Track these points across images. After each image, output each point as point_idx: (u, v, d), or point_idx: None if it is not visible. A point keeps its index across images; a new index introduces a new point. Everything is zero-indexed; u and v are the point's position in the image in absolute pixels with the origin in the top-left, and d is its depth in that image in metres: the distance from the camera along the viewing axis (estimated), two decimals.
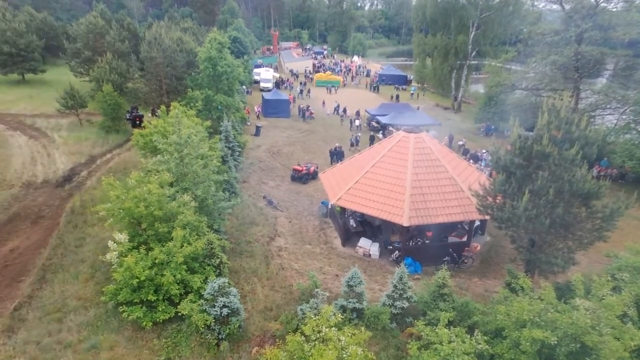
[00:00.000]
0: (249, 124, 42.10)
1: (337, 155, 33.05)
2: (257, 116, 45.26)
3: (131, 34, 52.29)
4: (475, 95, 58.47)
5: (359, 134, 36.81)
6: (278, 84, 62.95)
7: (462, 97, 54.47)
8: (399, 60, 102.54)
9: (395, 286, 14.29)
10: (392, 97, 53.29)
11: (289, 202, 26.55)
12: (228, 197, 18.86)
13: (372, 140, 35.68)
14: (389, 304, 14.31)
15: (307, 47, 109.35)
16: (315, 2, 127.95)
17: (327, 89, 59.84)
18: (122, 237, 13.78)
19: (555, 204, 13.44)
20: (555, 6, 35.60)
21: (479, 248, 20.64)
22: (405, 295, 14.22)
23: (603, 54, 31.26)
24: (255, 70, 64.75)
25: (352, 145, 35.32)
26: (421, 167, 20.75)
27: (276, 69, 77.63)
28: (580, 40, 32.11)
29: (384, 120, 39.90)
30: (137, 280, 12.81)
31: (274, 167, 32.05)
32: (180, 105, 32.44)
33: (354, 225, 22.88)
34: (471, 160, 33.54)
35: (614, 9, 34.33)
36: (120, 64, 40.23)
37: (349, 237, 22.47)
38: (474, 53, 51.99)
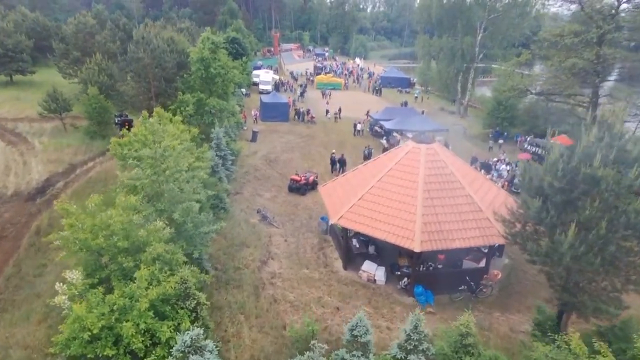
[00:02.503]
0: (245, 128, 39.47)
1: (340, 164, 30.45)
2: (255, 120, 42.58)
3: (127, 34, 49.65)
4: (482, 99, 55.72)
5: (372, 148, 33.36)
6: (278, 86, 60.31)
7: (468, 101, 51.78)
8: (401, 63, 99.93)
9: (408, 335, 11.60)
10: (401, 105, 50.21)
11: (285, 217, 23.90)
12: (213, 218, 16.12)
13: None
14: (402, 357, 11.64)
15: (309, 49, 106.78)
16: (317, 4, 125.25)
17: (322, 92, 56.94)
18: (75, 276, 11.12)
19: (607, 240, 10.76)
20: (573, 6, 32.88)
21: (500, 276, 17.91)
22: (421, 347, 11.54)
23: (626, 58, 28.52)
24: (255, 72, 62.11)
25: (365, 158, 31.87)
26: (434, 182, 18.08)
27: (276, 71, 74.97)
28: (601, 43, 29.42)
29: (388, 125, 37.23)
30: (90, 333, 10.16)
31: (271, 177, 29.38)
32: (171, 109, 29.98)
33: (357, 246, 20.24)
34: (482, 170, 30.90)
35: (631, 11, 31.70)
36: (111, 65, 37.63)
37: (351, 259, 19.83)
38: (481, 55, 49.31)
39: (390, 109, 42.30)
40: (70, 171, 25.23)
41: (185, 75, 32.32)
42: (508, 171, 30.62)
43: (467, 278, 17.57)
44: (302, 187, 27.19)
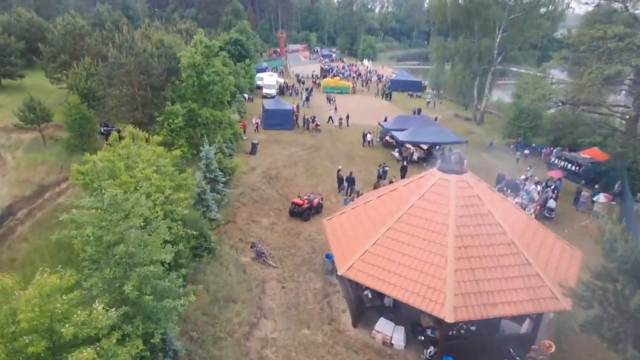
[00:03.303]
0: (244, 138, 35.58)
1: (348, 182, 26.51)
2: (256, 129, 38.66)
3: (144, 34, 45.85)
4: (499, 104, 51.38)
5: (388, 166, 28.86)
6: (282, 89, 56.35)
7: (485, 107, 47.48)
8: (410, 64, 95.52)
9: None
10: (414, 112, 46.05)
11: (284, 250, 20.05)
12: (182, 282, 12.07)
13: (404, 172, 28.25)
14: None
15: (316, 50, 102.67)
16: (325, 4, 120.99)
17: (327, 97, 52.82)
18: None
19: None
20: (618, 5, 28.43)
21: (553, 349, 13.79)
22: None
23: None
24: (258, 74, 58.20)
25: (379, 177, 27.64)
26: (468, 226, 14.07)
27: (282, 73, 71.06)
28: None
29: (400, 137, 33.01)
30: None
31: (270, 197, 25.49)
32: (158, 121, 26.24)
33: (370, 297, 16.33)
34: (509, 191, 26.78)
35: None
36: (101, 69, 33.90)
37: (362, 312, 15.97)
38: (499, 58, 45.00)
39: (402, 117, 38.13)
40: (38, 195, 21.53)
41: (177, 82, 28.50)
42: (539, 192, 26.41)
43: (510, 350, 13.59)
44: (305, 212, 23.26)
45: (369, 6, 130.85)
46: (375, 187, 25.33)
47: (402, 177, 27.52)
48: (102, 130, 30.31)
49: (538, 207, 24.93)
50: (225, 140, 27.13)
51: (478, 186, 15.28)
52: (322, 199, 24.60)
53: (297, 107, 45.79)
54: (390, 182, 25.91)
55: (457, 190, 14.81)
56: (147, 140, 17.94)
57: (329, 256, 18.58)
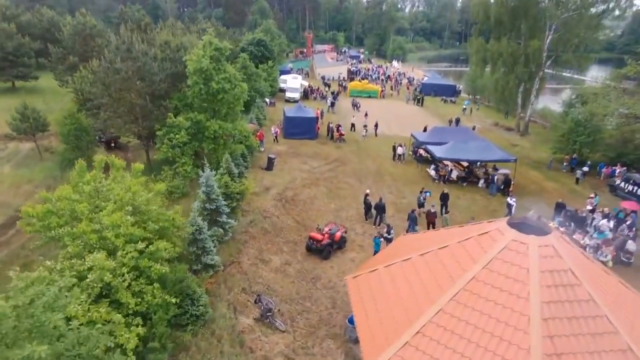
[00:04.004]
0: (262, 150, 31.49)
1: (377, 210, 21.91)
2: (275, 138, 34.53)
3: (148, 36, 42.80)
4: (545, 113, 45.43)
5: (426, 192, 23.40)
6: (307, 93, 52.03)
7: (530, 116, 41.75)
8: (441, 66, 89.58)
9: None
10: (450, 122, 40.91)
11: (297, 304, 15.75)
12: None
13: (444, 200, 22.90)
14: None
15: (344, 50, 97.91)
16: (353, 3, 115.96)
17: (352, 103, 48.04)
18: None
19: None
20: None
21: None
22: None
23: None
24: (282, 77, 54.14)
25: (420, 206, 22.59)
26: (560, 318, 9.29)
27: (307, 75, 66.88)
28: None
29: (437, 152, 28.03)
30: None
31: (284, 227, 21.21)
32: (158, 134, 22.39)
33: None
34: (572, 225, 21.60)
35: None
36: (97, 75, 30.56)
37: None
38: (549, 62, 39.21)
39: (439, 129, 32.99)
40: (11, 224, 17.95)
41: (185, 89, 24.53)
42: (611, 229, 21.02)
43: None
44: (325, 249, 18.85)
45: (399, 5, 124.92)
46: (410, 217, 20.72)
47: (443, 207, 22.73)
48: (101, 138, 27.11)
49: (613, 252, 19.62)
50: (236, 157, 23.03)
51: (570, 254, 10.42)
52: (345, 232, 20.16)
53: (322, 113, 41.55)
54: (429, 212, 21.20)
55: (540, 260, 10.02)
56: (123, 171, 13.93)
57: (352, 321, 14.15)
